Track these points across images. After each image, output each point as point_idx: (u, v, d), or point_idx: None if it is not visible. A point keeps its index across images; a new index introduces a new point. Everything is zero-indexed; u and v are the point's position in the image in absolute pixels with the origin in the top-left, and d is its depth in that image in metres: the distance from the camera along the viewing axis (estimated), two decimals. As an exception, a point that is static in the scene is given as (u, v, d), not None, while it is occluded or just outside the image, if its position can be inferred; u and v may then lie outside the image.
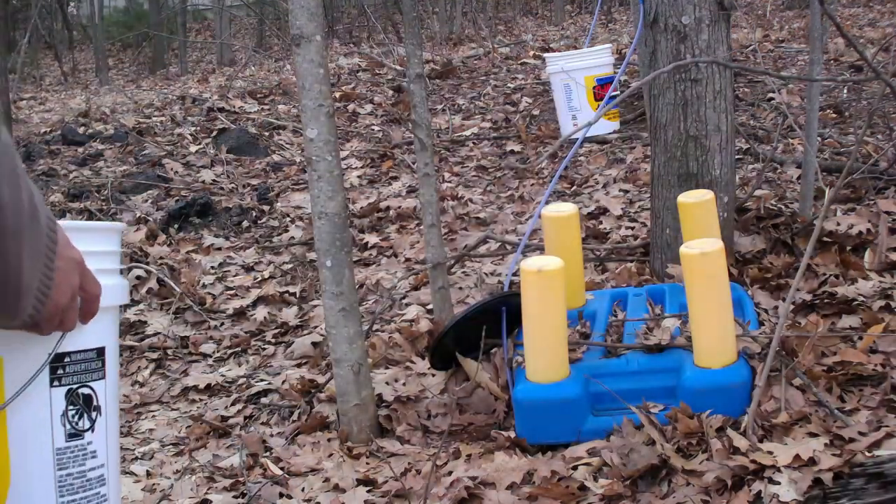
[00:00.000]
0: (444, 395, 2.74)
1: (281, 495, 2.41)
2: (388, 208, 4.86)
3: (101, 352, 1.10)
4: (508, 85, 7.87)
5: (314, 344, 3.37)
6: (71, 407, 1.07)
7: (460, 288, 3.64)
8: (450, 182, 5.37)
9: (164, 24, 14.75)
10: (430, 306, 3.30)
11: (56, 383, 1.06)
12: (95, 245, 1.11)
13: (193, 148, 6.49)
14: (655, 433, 2.21)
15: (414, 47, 2.98)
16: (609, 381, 2.38)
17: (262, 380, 3.22)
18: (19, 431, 1.03)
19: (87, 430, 1.09)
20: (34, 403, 1.04)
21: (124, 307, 0.97)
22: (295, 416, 2.85)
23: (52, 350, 1.04)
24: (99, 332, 1.10)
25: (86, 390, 1.09)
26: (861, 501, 1.85)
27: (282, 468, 2.53)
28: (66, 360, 1.06)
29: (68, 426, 1.07)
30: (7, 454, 1.03)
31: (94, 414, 1.10)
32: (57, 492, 1.06)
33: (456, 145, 6.18)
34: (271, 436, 2.75)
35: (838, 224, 3.21)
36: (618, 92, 5.20)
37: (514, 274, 2.90)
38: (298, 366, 3.27)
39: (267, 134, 6.74)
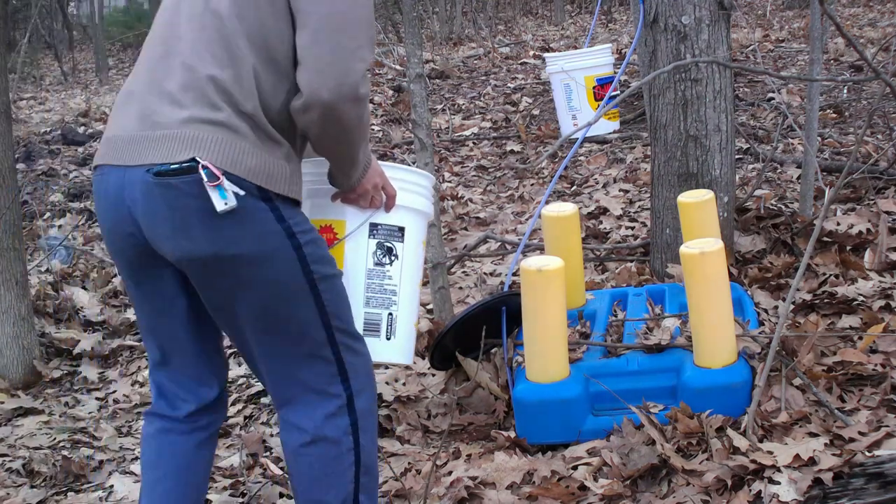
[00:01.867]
0: (444, 395, 2.74)
1: (281, 495, 2.41)
2: (388, 208, 4.85)
3: (401, 229, 2.01)
4: (508, 85, 7.88)
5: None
6: (378, 250, 1.99)
7: (460, 288, 3.64)
8: (450, 182, 5.37)
9: (164, 24, 14.71)
10: (430, 306, 3.30)
11: (371, 237, 1.98)
12: (407, 175, 2.04)
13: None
14: (655, 433, 2.21)
15: (414, 47, 2.98)
16: (609, 381, 2.38)
17: (262, 380, 3.21)
18: (350, 255, 1.97)
19: (387, 264, 2.00)
20: (359, 244, 1.97)
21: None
22: (295, 416, 2.85)
23: (367, 218, 1.97)
24: (400, 219, 2.01)
25: (389, 244, 2.00)
26: (861, 501, 1.84)
27: (282, 468, 2.53)
28: (379, 227, 1.99)
29: (375, 259, 1.99)
30: (342, 264, 1.95)
31: (392, 258, 2.01)
32: (365, 288, 1.99)
33: (456, 145, 6.18)
34: (271, 436, 2.75)
35: (838, 224, 3.21)
36: (618, 92, 5.20)
37: (514, 274, 2.90)
38: (298, 366, 3.26)
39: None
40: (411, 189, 2.03)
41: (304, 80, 1.69)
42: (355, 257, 1.98)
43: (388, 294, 2.01)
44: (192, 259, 1.70)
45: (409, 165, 1.96)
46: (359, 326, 1.95)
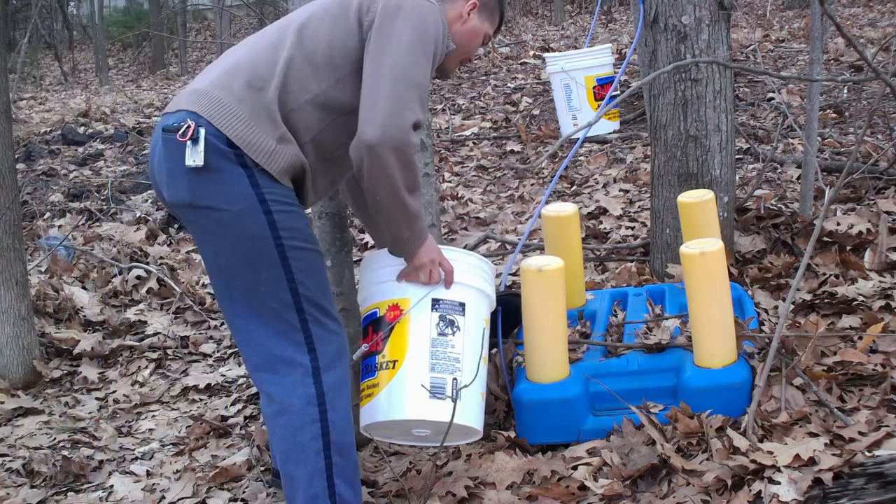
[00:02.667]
0: (444, 395, 2.74)
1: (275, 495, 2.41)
2: (388, 208, 4.84)
3: (462, 304, 2.18)
4: (508, 85, 7.88)
5: (314, 344, 3.36)
6: (441, 322, 2.15)
7: (460, 288, 3.63)
8: (450, 182, 5.37)
9: (164, 23, 14.74)
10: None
11: (434, 310, 2.15)
12: (467, 258, 2.24)
13: (193, 148, 6.47)
14: (655, 433, 2.21)
15: (414, 47, 2.97)
16: (609, 381, 2.38)
17: (262, 380, 3.21)
18: (415, 326, 2.13)
19: (450, 335, 2.15)
20: (424, 316, 2.14)
21: None
22: (295, 416, 2.85)
23: (428, 293, 2.14)
24: (461, 296, 2.18)
25: (450, 317, 2.16)
26: (861, 501, 1.85)
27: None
28: (441, 301, 2.16)
29: (438, 330, 2.14)
30: (407, 335, 2.13)
31: (454, 329, 2.16)
32: (430, 355, 2.12)
33: (456, 145, 6.18)
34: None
35: (838, 224, 3.21)
36: (618, 92, 5.21)
37: (514, 274, 2.90)
38: (298, 366, 3.26)
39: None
40: (471, 270, 2.22)
41: (360, 120, 1.88)
42: (419, 328, 2.14)
43: (451, 361, 2.15)
44: (176, 204, 1.92)
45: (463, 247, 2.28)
46: (426, 389, 2.10)
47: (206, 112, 1.87)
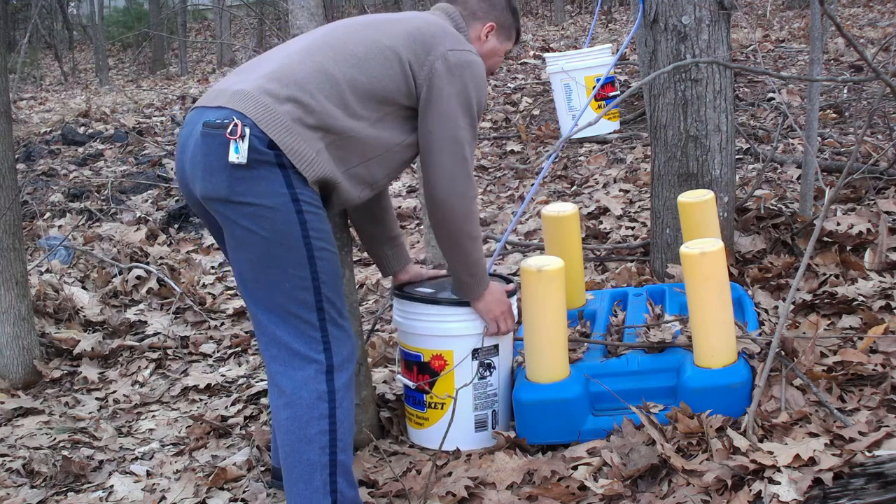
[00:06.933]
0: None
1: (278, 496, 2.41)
2: (388, 208, 4.84)
3: (496, 346, 2.44)
4: (508, 85, 7.88)
5: (314, 344, 3.36)
6: (481, 367, 2.42)
7: (460, 288, 3.63)
8: (450, 182, 5.35)
9: (164, 24, 14.75)
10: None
11: (475, 359, 2.41)
12: None
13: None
14: (655, 433, 2.21)
15: (414, 47, 2.97)
16: (609, 381, 2.38)
17: (262, 379, 3.22)
18: (460, 376, 2.41)
19: (488, 376, 2.44)
20: (466, 365, 2.41)
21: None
22: (295, 416, 2.84)
23: (473, 346, 2.40)
24: (496, 340, 2.43)
25: (488, 360, 2.43)
26: (861, 501, 1.85)
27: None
28: (479, 350, 2.41)
29: (479, 375, 2.43)
30: (453, 383, 2.41)
31: (492, 370, 2.44)
32: (473, 398, 2.43)
33: (456, 145, 6.16)
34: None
35: (838, 224, 3.21)
36: (617, 92, 5.20)
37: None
38: (298, 366, 3.26)
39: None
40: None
41: (426, 184, 2.17)
42: (463, 376, 2.41)
43: (490, 397, 2.46)
44: (211, 198, 1.97)
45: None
46: (470, 426, 2.44)
47: (251, 113, 1.93)
